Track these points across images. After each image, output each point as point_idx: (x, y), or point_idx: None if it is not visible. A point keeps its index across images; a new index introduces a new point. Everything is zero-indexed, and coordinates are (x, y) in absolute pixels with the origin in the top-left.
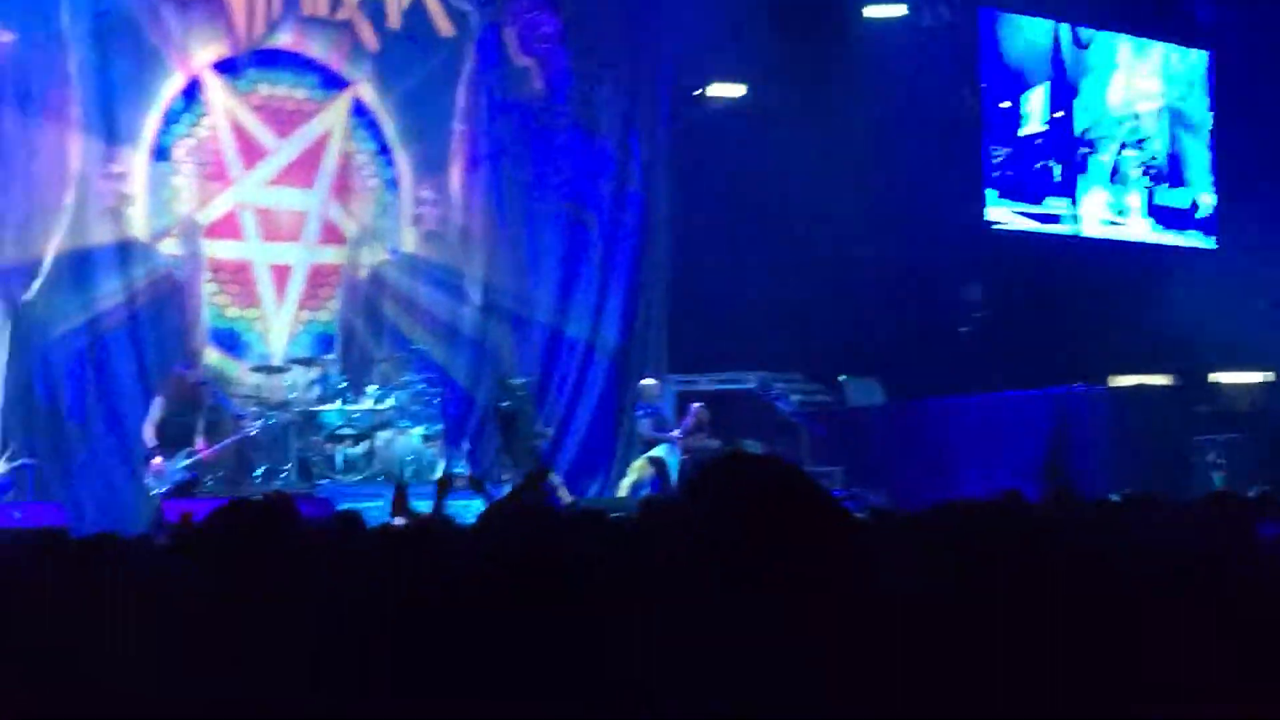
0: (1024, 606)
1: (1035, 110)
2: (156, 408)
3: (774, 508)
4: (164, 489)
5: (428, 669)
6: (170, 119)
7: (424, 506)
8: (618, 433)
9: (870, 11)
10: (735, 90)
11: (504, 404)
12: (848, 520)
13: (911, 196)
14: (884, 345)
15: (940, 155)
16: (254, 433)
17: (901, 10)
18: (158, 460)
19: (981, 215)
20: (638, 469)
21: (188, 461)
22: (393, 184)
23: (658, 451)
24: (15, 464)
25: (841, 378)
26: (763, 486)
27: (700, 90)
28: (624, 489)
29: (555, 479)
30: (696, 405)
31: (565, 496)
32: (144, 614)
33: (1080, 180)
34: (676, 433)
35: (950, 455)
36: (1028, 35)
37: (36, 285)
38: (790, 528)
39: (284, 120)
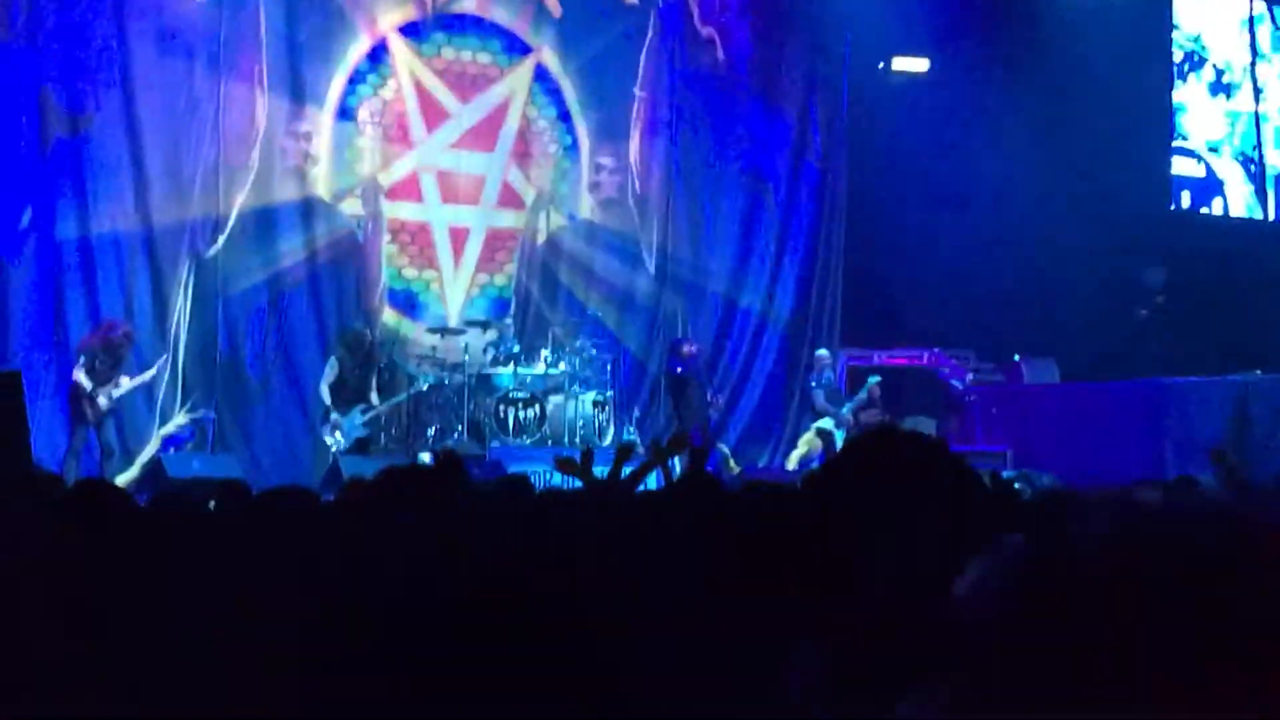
0: (1201, 596)
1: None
2: (332, 366)
3: (914, 487)
4: (341, 446)
5: (602, 631)
6: (355, 81)
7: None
8: (788, 404)
9: None
10: (918, 64)
11: (677, 370)
12: (992, 502)
13: (1095, 175)
14: (1061, 325)
15: (1127, 134)
16: (424, 388)
17: None
18: (334, 417)
19: (1167, 197)
20: (807, 441)
21: (364, 419)
22: (572, 150)
23: (825, 424)
24: (195, 415)
25: (1016, 356)
26: (904, 464)
27: (882, 63)
28: (793, 460)
29: (724, 449)
30: (873, 380)
31: (734, 468)
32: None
33: (1269, 164)
34: (848, 407)
35: (1123, 439)
36: (1221, 11)
37: (221, 240)
38: (929, 507)
39: (467, 84)
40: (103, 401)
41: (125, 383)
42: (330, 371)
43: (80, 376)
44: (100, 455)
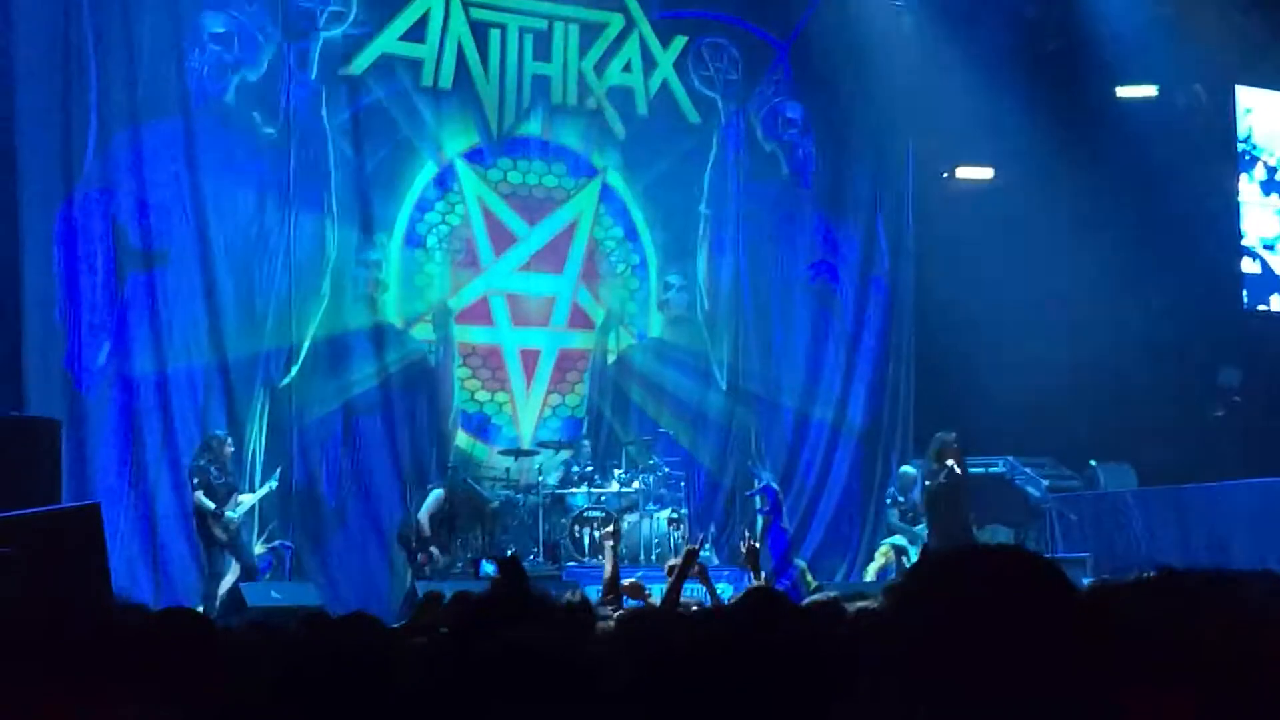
0: None
1: None
2: (436, 497)
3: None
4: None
5: None
6: (423, 207)
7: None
8: (864, 516)
9: (1123, 92)
10: (983, 173)
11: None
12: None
13: (1166, 279)
14: (1136, 429)
15: (1195, 237)
16: (495, 505)
17: (1153, 91)
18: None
19: (1239, 297)
20: (884, 554)
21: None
22: (640, 269)
23: (898, 539)
24: (273, 544)
25: (1092, 462)
26: (993, 582)
27: (947, 173)
28: (870, 573)
29: (800, 564)
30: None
31: (811, 582)
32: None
33: None
34: (921, 528)
35: (1204, 543)
36: (1271, 110)
37: (294, 369)
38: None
39: (534, 207)
40: (229, 518)
41: (245, 499)
42: (434, 502)
43: (200, 499)
44: (242, 574)
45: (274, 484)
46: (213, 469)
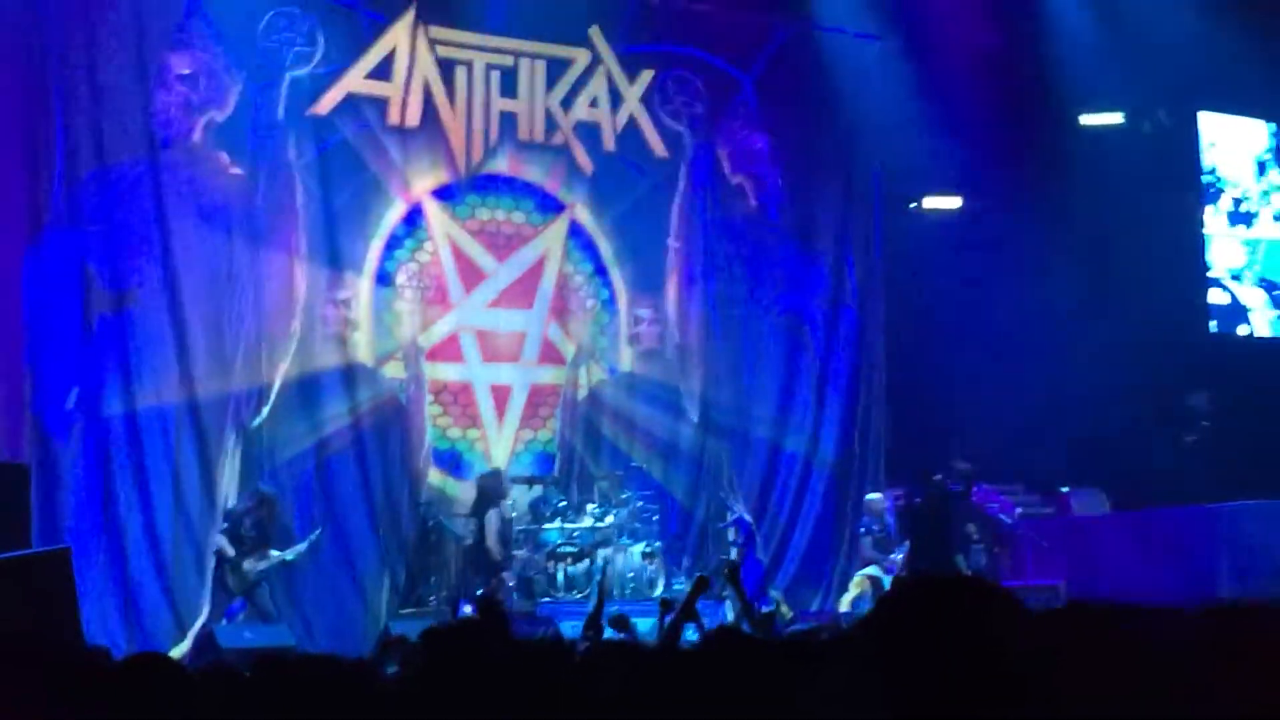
0: None
1: (1261, 214)
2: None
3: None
4: None
5: None
6: (392, 245)
7: (645, 626)
8: (838, 546)
9: (1086, 120)
10: (950, 201)
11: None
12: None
13: (1131, 305)
14: (1107, 455)
15: (1161, 262)
16: (469, 542)
17: (1118, 118)
18: None
19: (1205, 322)
20: (858, 584)
21: None
22: (610, 303)
23: (873, 570)
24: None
25: (1065, 488)
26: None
27: (914, 202)
28: (845, 604)
29: (776, 595)
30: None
31: (786, 613)
32: None
33: None
34: (897, 555)
35: (1178, 567)
36: (1250, 138)
37: (265, 410)
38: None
39: (502, 243)
40: (247, 569)
41: (273, 555)
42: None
43: (223, 543)
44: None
45: (308, 542)
46: (248, 520)
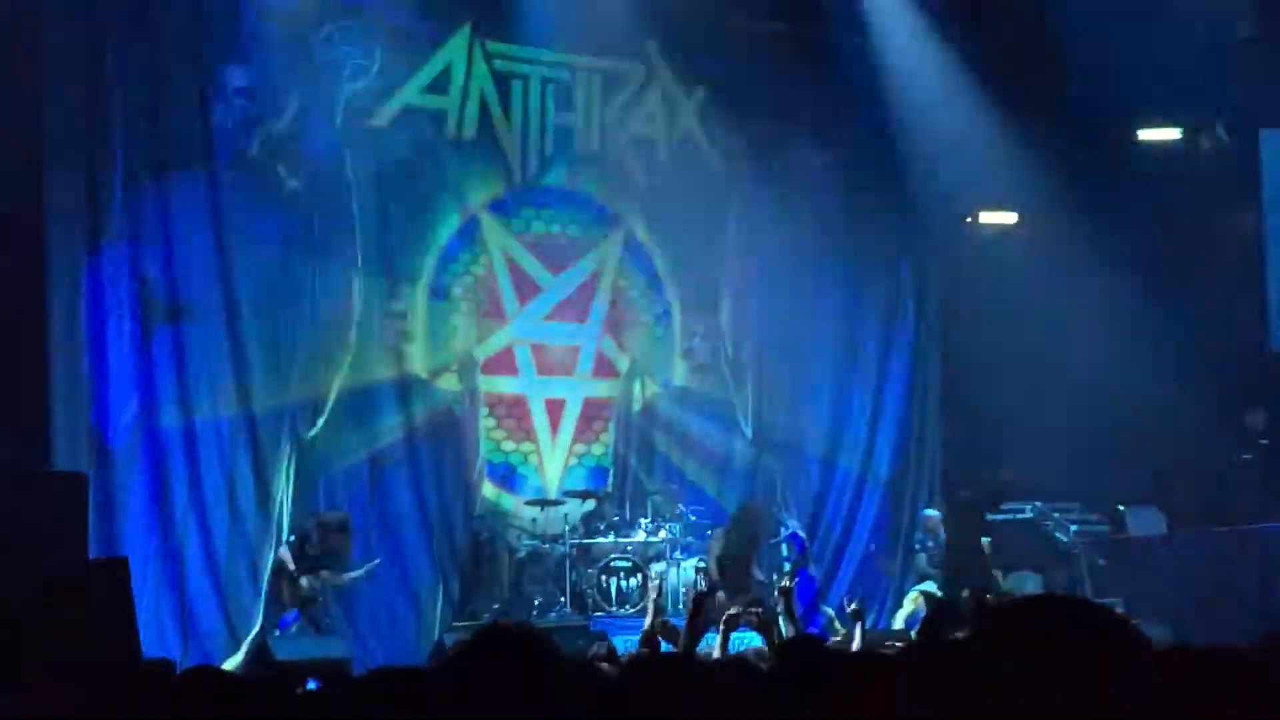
0: None
1: None
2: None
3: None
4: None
5: None
6: (447, 258)
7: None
8: (891, 562)
9: (1145, 135)
10: (1007, 217)
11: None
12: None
13: (1190, 321)
14: (1165, 473)
15: (1221, 278)
16: (522, 555)
17: (1176, 134)
18: None
19: (1263, 339)
20: (913, 600)
21: None
22: (664, 317)
23: (928, 585)
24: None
25: (1121, 506)
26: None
27: (970, 217)
28: (899, 620)
29: (829, 612)
30: (926, 512)
31: (839, 630)
32: None
33: None
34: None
35: (1236, 587)
36: None
37: (320, 422)
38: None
39: (557, 257)
40: (305, 584)
41: (325, 575)
42: (716, 545)
43: (284, 555)
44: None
45: (365, 570)
46: (315, 537)
